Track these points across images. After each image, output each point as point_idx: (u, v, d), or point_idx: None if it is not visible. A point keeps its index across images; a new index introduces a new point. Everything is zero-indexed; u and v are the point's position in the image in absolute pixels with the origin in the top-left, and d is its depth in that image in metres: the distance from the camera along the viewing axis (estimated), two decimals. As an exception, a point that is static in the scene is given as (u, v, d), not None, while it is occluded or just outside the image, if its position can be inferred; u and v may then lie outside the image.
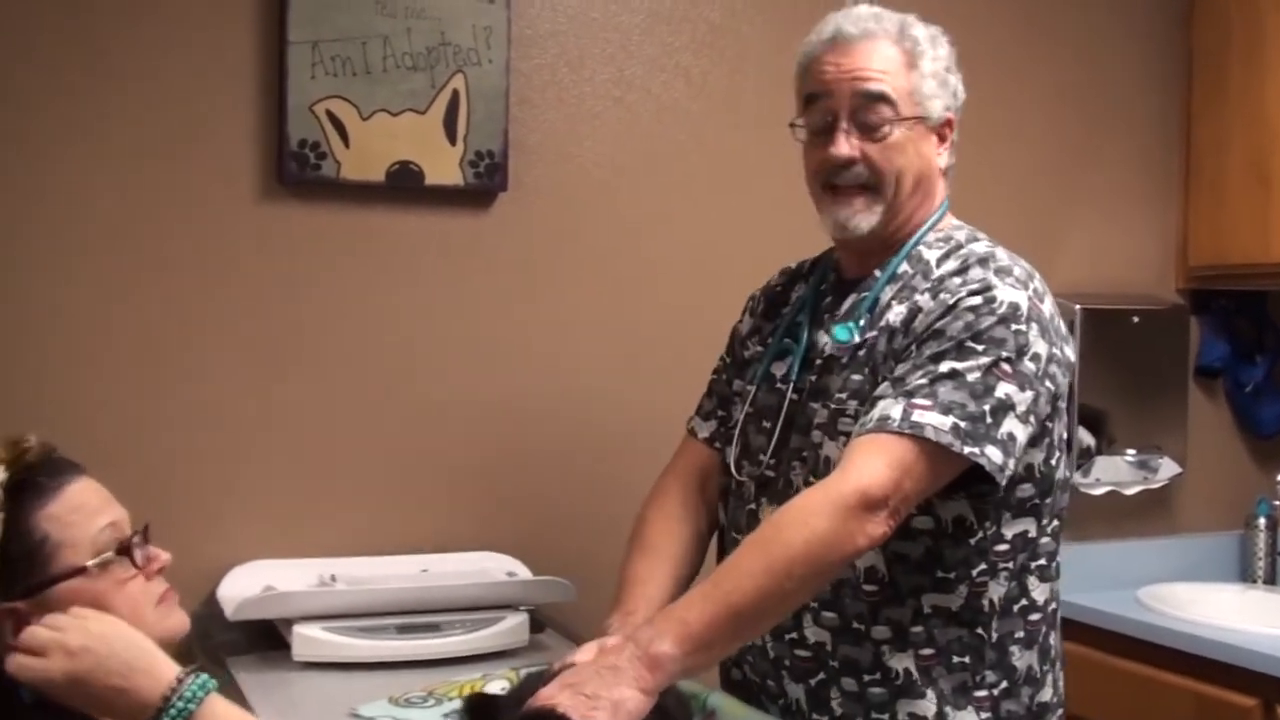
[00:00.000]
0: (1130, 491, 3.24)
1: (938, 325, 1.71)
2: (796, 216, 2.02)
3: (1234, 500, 3.41)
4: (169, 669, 1.37)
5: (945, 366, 1.67)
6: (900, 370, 1.71)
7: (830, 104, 1.82)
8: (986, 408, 1.65)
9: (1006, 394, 1.67)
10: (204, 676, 1.38)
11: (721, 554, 2.00)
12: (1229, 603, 3.14)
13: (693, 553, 2.00)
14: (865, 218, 1.82)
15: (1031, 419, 1.70)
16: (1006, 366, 1.68)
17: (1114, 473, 3.21)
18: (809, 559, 1.59)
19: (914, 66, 1.81)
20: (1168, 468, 3.27)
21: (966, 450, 1.63)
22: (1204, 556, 3.38)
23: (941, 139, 1.86)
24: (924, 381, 1.67)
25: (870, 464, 1.62)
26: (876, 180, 1.81)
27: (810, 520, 1.60)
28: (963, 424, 1.63)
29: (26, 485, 1.42)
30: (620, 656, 1.56)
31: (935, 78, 1.82)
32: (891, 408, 1.66)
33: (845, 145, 1.80)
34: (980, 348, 1.68)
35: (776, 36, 1.96)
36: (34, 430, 1.55)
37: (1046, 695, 1.84)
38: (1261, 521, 3.33)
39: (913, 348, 1.72)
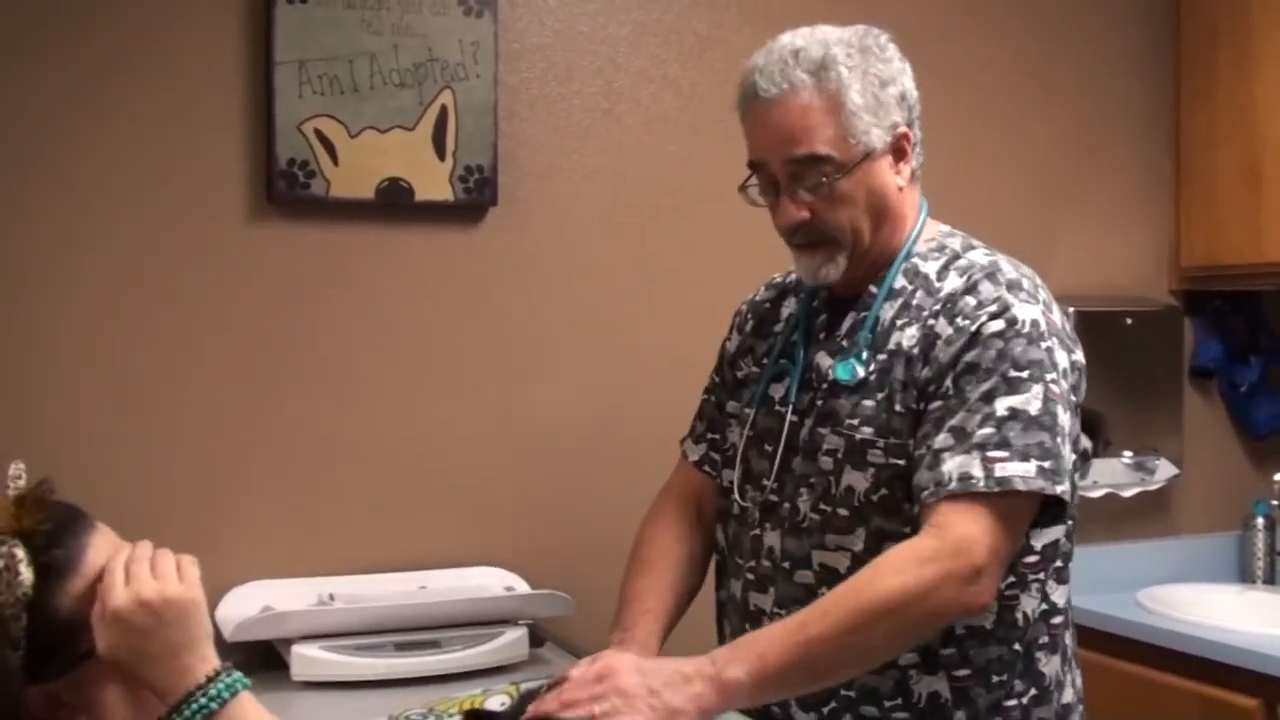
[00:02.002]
0: (1128, 494, 3.24)
1: (968, 357, 1.68)
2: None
3: (1231, 501, 3.41)
4: (211, 662, 1.33)
5: (1002, 407, 1.64)
6: (955, 418, 1.66)
7: (769, 171, 1.77)
8: (1058, 439, 1.65)
9: (1063, 421, 1.67)
10: (236, 675, 1.35)
11: (721, 578, 1.98)
12: (1228, 603, 3.13)
13: (691, 571, 1.98)
14: (831, 268, 1.79)
15: (1073, 438, 1.72)
16: (1055, 388, 1.67)
17: (1111, 475, 3.20)
18: (895, 617, 1.58)
19: (840, 107, 1.72)
20: (1164, 469, 3.27)
21: (1058, 489, 1.64)
22: (1203, 557, 3.38)
23: (899, 154, 1.78)
24: (990, 430, 1.63)
25: (966, 529, 1.60)
26: (833, 235, 1.77)
27: (904, 580, 1.58)
28: (1045, 464, 1.63)
29: (46, 567, 1.30)
30: (695, 667, 1.57)
31: (868, 109, 1.73)
32: (970, 465, 1.62)
33: (789, 213, 1.76)
34: (1025, 375, 1.66)
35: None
36: (28, 455, 1.49)
37: (1069, 696, 1.83)
38: (1259, 522, 3.33)
39: (949, 385, 1.68)
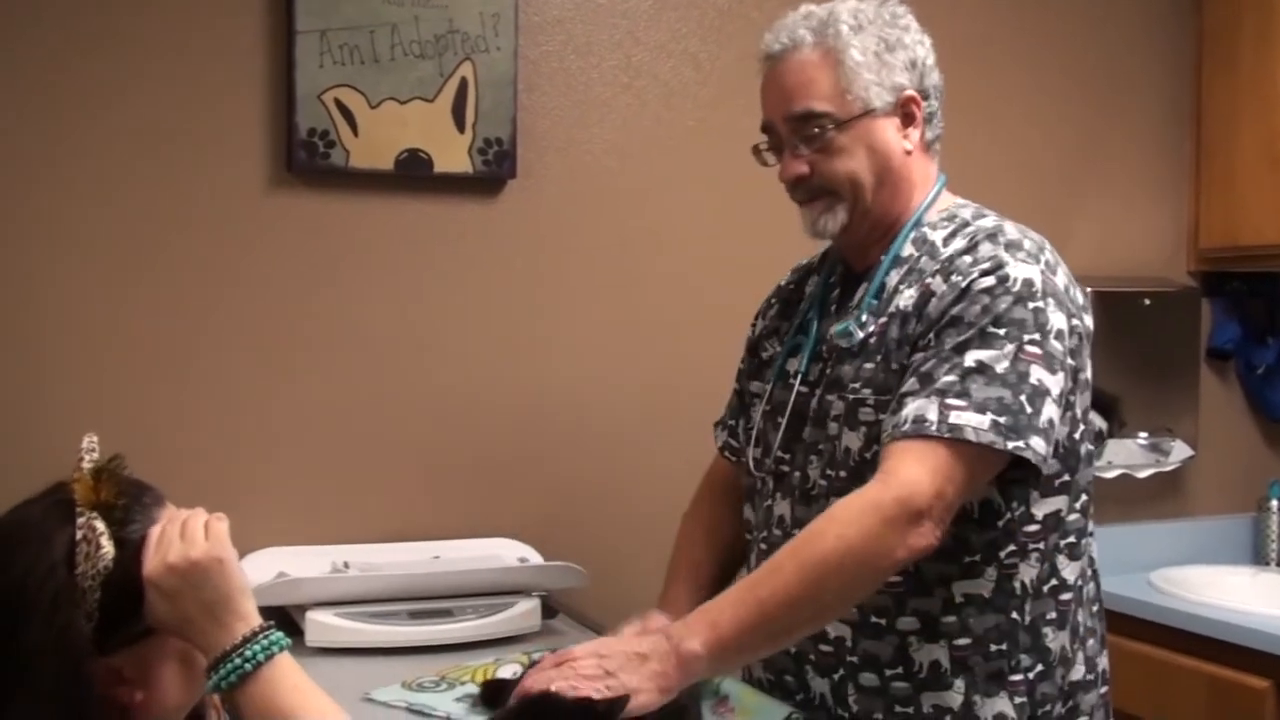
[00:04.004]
0: (1142, 474, 3.24)
1: (954, 311, 1.68)
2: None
3: (1246, 483, 3.41)
4: (250, 621, 1.35)
5: (971, 359, 1.64)
6: (926, 365, 1.67)
7: (776, 131, 1.82)
8: (1023, 397, 1.63)
9: (1039, 379, 1.65)
10: (275, 636, 1.35)
11: (744, 554, 1.98)
12: (1241, 585, 3.13)
13: (724, 562, 2.02)
14: (831, 219, 1.80)
15: (1062, 400, 1.69)
16: (1033, 349, 1.65)
17: (1126, 456, 3.20)
18: (844, 569, 1.58)
19: (839, 64, 1.75)
20: (1179, 450, 3.27)
21: (1010, 445, 1.61)
22: (1216, 539, 3.38)
23: (908, 119, 1.80)
24: (954, 378, 1.63)
25: (911, 472, 1.60)
26: (831, 187, 1.79)
27: (847, 530, 1.58)
28: (1002, 419, 1.61)
29: (122, 541, 1.34)
30: (650, 645, 1.56)
31: (868, 67, 1.75)
32: (927, 409, 1.62)
33: (790, 167, 1.80)
34: (1002, 332, 1.65)
35: (784, 21, 2.02)
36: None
37: (1078, 674, 1.81)
38: (1274, 504, 3.33)
39: (931, 336, 1.69)
